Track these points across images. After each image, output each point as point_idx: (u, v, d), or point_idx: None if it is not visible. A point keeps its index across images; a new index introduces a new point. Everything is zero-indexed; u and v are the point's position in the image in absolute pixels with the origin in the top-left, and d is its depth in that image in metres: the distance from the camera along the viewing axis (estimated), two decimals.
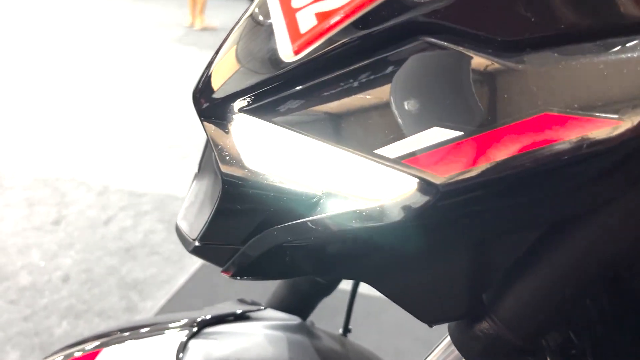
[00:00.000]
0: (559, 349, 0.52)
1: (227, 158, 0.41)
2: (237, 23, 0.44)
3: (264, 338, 0.67)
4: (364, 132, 0.33)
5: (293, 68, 0.35)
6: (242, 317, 0.71)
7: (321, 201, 0.39)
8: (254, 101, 0.39)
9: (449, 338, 0.45)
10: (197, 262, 2.37)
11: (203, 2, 7.79)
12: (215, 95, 0.41)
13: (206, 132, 0.42)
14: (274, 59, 0.37)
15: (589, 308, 0.50)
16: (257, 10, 0.42)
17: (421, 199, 0.31)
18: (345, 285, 0.80)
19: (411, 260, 0.40)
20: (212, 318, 0.69)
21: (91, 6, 8.32)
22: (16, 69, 4.98)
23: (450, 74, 0.31)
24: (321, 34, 0.31)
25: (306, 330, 0.72)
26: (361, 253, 0.39)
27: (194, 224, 0.50)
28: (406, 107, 0.31)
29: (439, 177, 0.30)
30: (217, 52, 0.44)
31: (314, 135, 0.35)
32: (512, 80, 0.29)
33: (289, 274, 0.46)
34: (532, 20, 0.29)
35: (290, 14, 0.35)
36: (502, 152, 0.29)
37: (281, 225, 0.39)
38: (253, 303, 0.78)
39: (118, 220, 2.72)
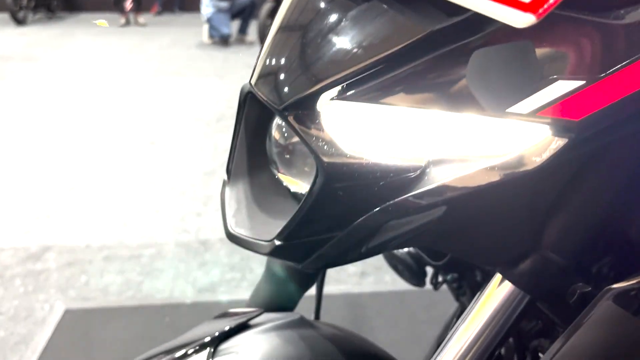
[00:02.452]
0: None
1: (325, 148, 0.41)
2: (300, 14, 0.44)
3: (281, 340, 0.66)
4: (493, 95, 0.37)
5: (406, 47, 0.37)
6: (246, 327, 0.69)
7: (427, 170, 0.41)
8: (350, 87, 0.40)
9: (498, 276, 0.49)
10: (56, 313, 2.12)
11: None
12: (303, 87, 0.41)
13: (292, 127, 0.42)
14: (380, 42, 0.39)
15: None
16: None
17: (560, 142, 0.36)
18: None
19: (499, 211, 0.44)
20: (221, 334, 0.66)
21: None
22: None
23: (562, 35, 0.36)
24: None
25: (308, 323, 0.72)
26: (470, 213, 0.42)
27: (259, 226, 0.48)
28: (531, 67, 0.36)
29: (573, 121, 0.36)
30: (284, 45, 0.44)
31: (434, 107, 0.38)
32: (616, 32, 0.35)
33: (380, 250, 0.47)
34: None
35: None
36: (626, 91, 0.35)
37: (394, 201, 0.41)
38: (238, 313, 0.76)
39: None
